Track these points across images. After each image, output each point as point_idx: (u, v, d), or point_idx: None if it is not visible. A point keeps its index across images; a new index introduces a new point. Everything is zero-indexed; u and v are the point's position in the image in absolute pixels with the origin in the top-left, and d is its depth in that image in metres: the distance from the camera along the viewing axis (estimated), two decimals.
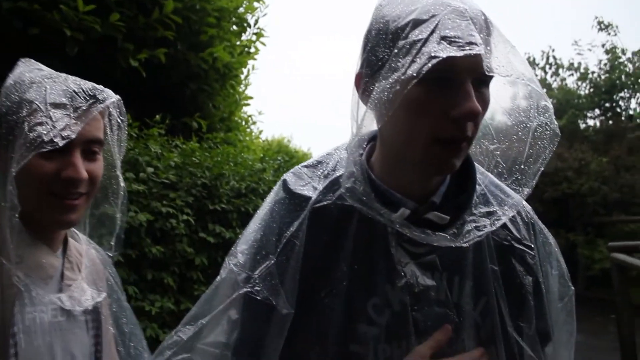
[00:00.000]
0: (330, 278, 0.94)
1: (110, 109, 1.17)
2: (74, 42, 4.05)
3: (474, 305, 0.97)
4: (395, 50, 0.85)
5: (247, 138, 7.13)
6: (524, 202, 1.07)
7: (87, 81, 1.12)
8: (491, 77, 0.87)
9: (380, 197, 0.95)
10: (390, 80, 0.84)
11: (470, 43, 0.81)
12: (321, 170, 1.04)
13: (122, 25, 4.28)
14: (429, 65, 0.80)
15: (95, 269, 1.26)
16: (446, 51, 0.80)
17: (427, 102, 0.86)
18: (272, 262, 0.96)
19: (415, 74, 0.81)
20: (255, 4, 5.98)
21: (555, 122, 0.94)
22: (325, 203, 0.98)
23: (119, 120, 1.19)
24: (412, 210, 0.94)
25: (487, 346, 0.96)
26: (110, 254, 1.32)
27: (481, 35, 0.84)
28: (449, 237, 0.92)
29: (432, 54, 0.80)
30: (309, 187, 1.02)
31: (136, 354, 1.31)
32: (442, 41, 0.81)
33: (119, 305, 1.31)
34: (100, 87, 1.13)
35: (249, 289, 0.96)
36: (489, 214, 0.97)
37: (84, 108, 1.06)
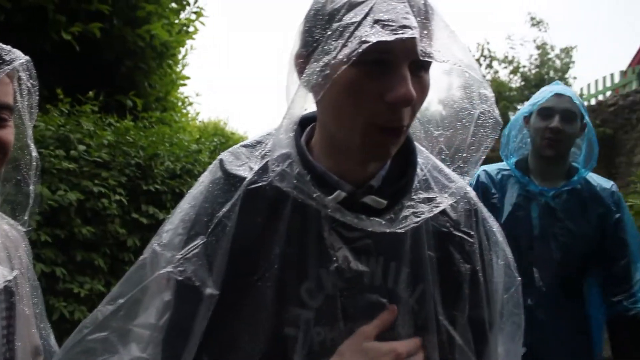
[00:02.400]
0: (263, 261, 0.92)
1: (20, 73, 1.07)
2: None
3: (410, 292, 0.96)
4: (329, 33, 0.83)
5: (183, 119, 7.01)
6: (469, 189, 1.06)
7: None
8: (430, 61, 0.86)
9: (317, 179, 0.93)
10: (321, 63, 0.82)
11: (404, 27, 0.79)
12: (259, 151, 1.01)
13: None
14: (359, 50, 0.78)
15: (9, 244, 1.18)
16: (377, 35, 0.78)
17: (362, 85, 0.84)
18: (201, 242, 0.93)
19: (345, 59, 0.79)
20: None
21: (497, 111, 0.93)
22: (260, 184, 0.95)
23: (29, 85, 1.10)
24: (348, 194, 0.92)
25: (421, 334, 0.95)
26: (24, 229, 1.23)
27: (418, 19, 0.81)
28: (383, 222, 0.91)
29: (363, 39, 0.78)
30: (246, 167, 0.99)
31: (47, 335, 1.25)
32: (375, 25, 0.79)
33: (31, 284, 1.23)
34: (8, 47, 1.03)
35: (171, 269, 0.93)
36: (428, 200, 0.96)
37: None
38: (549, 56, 15.43)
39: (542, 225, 2.10)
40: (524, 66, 15.64)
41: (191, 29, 6.30)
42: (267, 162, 0.98)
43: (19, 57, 1.04)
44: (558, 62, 15.23)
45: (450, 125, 1.00)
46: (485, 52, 16.05)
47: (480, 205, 1.09)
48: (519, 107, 14.94)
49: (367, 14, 0.81)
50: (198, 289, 0.91)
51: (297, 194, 0.91)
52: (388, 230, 0.91)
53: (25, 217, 1.21)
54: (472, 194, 1.08)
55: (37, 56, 1.09)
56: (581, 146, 2.21)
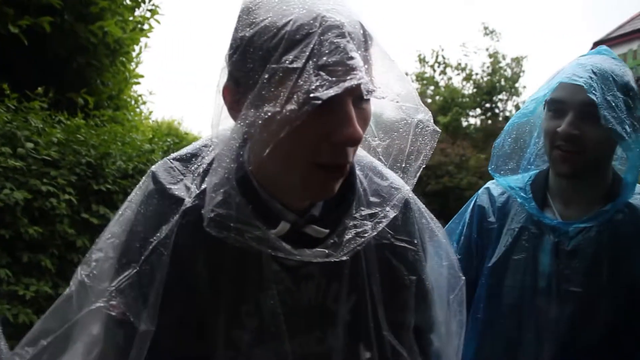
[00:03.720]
0: (205, 287, 0.88)
1: None
2: None
3: (345, 304, 0.95)
4: (266, 76, 0.75)
5: (136, 118, 6.89)
6: (411, 194, 1.03)
7: None
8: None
9: (259, 208, 0.87)
10: (262, 113, 0.76)
11: (350, 70, 0.74)
12: (195, 166, 0.94)
13: None
14: (308, 108, 0.73)
15: None
16: (325, 87, 0.72)
17: (305, 126, 0.76)
18: (135, 271, 0.86)
19: (294, 116, 0.73)
20: None
21: (433, 124, 0.92)
22: (199, 210, 0.87)
23: None
24: (291, 224, 0.89)
25: (356, 344, 0.95)
26: None
27: (359, 52, 0.77)
28: (327, 252, 0.87)
29: (312, 95, 0.72)
30: (181, 187, 0.91)
31: None
32: (320, 72, 0.73)
33: None
34: None
35: (102, 304, 0.86)
36: (370, 216, 0.93)
37: None
38: (501, 65, 15.85)
39: (553, 274, 1.39)
40: (477, 73, 16.03)
41: (146, 26, 6.20)
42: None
43: None
44: (509, 71, 15.65)
45: (388, 135, 0.97)
46: (440, 59, 16.36)
47: (423, 209, 1.08)
48: (471, 113, 15.32)
49: (308, 58, 0.73)
50: (132, 324, 0.85)
51: (235, 236, 0.84)
52: (332, 260, 0.87)
53: None
54: (413, 198, 1.06)
55: None
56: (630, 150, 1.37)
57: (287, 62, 0.74)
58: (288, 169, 0.82)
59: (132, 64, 6.36)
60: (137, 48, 6.28)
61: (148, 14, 6.13)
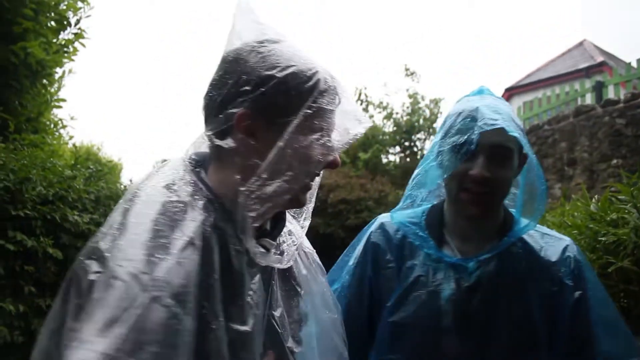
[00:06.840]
0: (215, 295, 0.94)
1: None
2: None
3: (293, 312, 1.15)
4: (310, 111, 1.00)
5: (55, 142, 6.66)
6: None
7: None
8: None
9: (234, 225, 1.01)
10: (311, 138, 1.01)
11: (361, 117, 1.09)
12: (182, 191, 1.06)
13: None
14: (350, 140, 1.06)
15: None
16: (360, 128, 1.07)
17: (312, 151, 1.03)
18: (172, 262, 0.87)
19: (339, 146, 1.05)
20: (79, 4, 5.68)
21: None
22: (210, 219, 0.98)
23: None
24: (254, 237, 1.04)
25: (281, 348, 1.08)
26: None
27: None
28: (279, 258, 1.09)
29: (353, 133, 1.06)
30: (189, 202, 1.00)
31: None
32: (347, 115, 1.07)
33: None
34: None
35: (157, 293, 0.84)
36: (289, 233, 1.17)
37: None
38: (419, 105, 16.55)
39: (457, 311, 1.38)
40: (397, 113, 16.63)
41: (70, 49, 6.07)
42: (207, 200, 1.00)
43: None
44: (427, 112, 16.37)
45: None
46: (362, 97, 16.87)
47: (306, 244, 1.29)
48: (390, 150, 15.82)
49: (337, 104, 1.06)
50: (181, 315, 0.85)
51: (235, 242, 1.00)
52: (282, 265, 1.10)
53: None
54: None
55: None
56: (519, 185, 1.48)
57: (323, 103, 1.02)
58: (293, 184, 1.01)
59: (54, 87, 6.19)
60: (59, 71, 6.13)
61: (73, 37, 6.02)
